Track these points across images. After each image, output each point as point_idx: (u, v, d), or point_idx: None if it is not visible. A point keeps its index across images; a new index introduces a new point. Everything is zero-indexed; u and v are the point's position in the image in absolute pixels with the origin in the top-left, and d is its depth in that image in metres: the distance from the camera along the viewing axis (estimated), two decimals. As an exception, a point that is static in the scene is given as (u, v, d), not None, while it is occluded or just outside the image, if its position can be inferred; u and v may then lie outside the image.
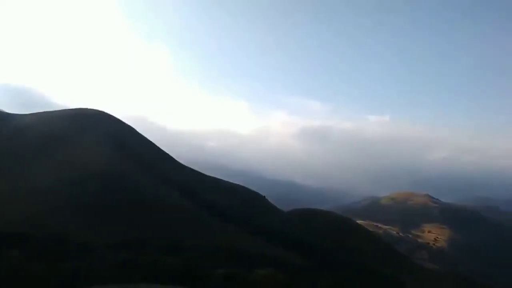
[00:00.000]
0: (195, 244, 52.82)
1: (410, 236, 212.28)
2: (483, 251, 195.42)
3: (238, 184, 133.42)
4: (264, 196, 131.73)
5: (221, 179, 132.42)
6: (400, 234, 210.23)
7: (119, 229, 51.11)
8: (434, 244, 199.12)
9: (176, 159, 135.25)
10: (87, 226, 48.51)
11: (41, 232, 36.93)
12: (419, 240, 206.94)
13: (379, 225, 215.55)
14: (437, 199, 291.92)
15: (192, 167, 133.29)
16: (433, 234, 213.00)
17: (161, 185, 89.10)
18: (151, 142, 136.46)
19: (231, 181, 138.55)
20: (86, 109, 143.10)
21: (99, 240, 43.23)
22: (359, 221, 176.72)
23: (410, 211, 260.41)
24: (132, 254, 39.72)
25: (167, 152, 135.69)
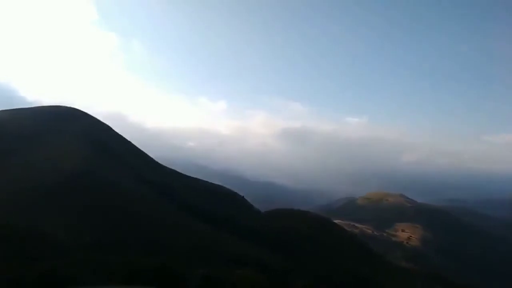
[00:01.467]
0: (173, 245, 52.45)
1: (384, 235, 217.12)
2: (454, 250, 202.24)
3: (217, 184, 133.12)
4: (243, 196, 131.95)
5: (200, 179, 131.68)
6: (375, 233, 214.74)
7: (94, 230, 50.13)
8: (407, 242, 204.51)
9: (155, 158, 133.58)
10: (62, 227, 47.34)
11: (12, 232, 35.80)
12: (393, 239, 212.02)
13: (355, 224, 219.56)
14: (412, 199, 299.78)
15: (171, 167, 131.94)
16: (407, 233, 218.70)
17: (138, 185, 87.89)
18: (128, 141, 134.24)
19: (210, 181, 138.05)
20: (61, 106, 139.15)
21: (74, 241, 42.33)
22: (336, 221, 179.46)
23: (385, 210, 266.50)
24: (109, 255, 39.15)
25: (145, 151, 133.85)
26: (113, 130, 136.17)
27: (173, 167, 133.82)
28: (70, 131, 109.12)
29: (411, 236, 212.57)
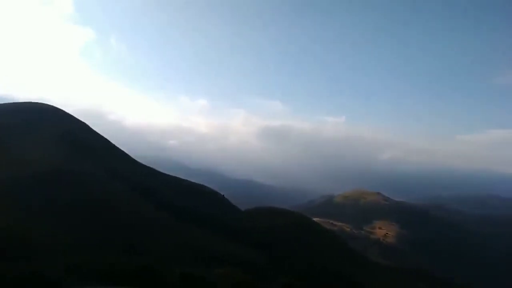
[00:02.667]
0: (154, 245, 52.23)
1: (362, 232, 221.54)
2: (429, 246, 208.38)
3: (198, 183, 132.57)
4: (223, 195, 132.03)
5: (180, 178, 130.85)
6: (353, 230, 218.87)
7: (74, 229, 49.31)
8: (384, 240, 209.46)
9: (134, 157, 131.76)
10: (38, 228, 46.32)
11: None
12: (371, 236, 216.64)
13: (334, 222, 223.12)
14: (388, 197, 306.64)
15: (151, 166, 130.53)
16: (383, 231, 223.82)
17: (117, 185, 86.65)
18: (107, 139, 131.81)
19: (191, 179, 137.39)
20: (36, 103, 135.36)
21: (51, 243, 41.58)
22: (315, 219, 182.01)
23: (363, 208, 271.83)
24: (89, 255, 38.74)
25: (124, 150, 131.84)
26: (91, 128, 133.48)
27: (153, 166, 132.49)
28: (46, 128, 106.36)
29: (387, 234, 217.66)
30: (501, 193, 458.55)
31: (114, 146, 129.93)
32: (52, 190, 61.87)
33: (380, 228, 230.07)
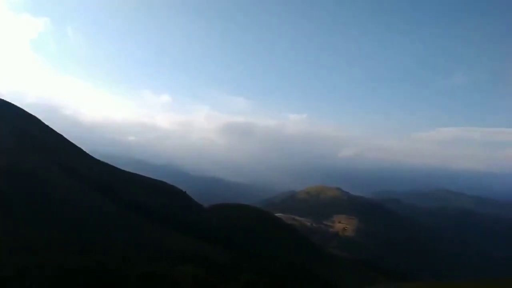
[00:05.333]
0: (112, 243, 50.70)
1: (322, 226, 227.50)
2: (385, 238, 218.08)
3: (158, 180, 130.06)
4: (185, 191, 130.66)
5: (140, 174, 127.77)
6: (314, 225, 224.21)
7: (26, 230, 46.71)
8: (342, 233, 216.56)
9: (91, 153, 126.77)
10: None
11: None
12: (330, 230, 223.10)
13: (296, 217, 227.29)
14: (347, 192, 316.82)
15: (109, 162, 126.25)
16: (342, 224, 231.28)
17: (72, 180, 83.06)
18: (61, 135, 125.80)
19: (152, 176, 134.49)
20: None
21: (2, 242, 39.25)
22: (277, 214, 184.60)
23: (323, 203, 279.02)
24: (38, 255, 37.09)
25: (80, 146, 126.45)
26: (44, 123, 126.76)
27: (112, 162, 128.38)
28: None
29: (346, 227, 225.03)
30: (452, 187, 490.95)
31: (69, 142, 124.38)
32: (4, 187, 58.25)
33: (339, 222, 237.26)
